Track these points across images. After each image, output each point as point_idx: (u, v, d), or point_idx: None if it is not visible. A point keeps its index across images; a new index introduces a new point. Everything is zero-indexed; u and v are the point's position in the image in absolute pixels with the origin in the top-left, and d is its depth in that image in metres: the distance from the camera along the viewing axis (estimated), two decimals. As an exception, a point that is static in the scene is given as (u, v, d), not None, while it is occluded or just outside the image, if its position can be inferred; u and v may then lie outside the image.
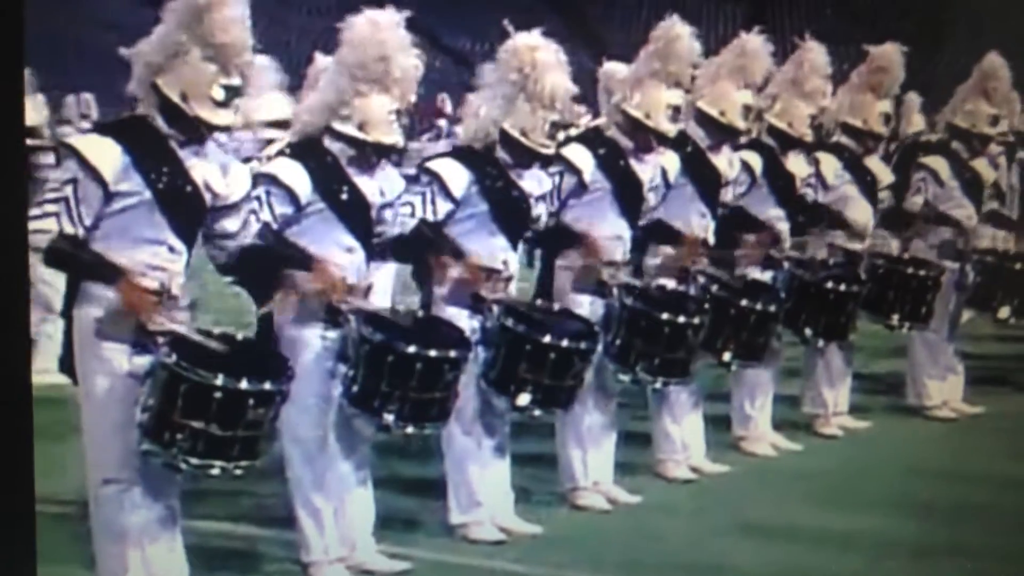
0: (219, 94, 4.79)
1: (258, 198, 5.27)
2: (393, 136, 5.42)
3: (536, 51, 5.89)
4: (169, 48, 4.76)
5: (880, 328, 8.30)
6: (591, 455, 6.62)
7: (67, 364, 4.88)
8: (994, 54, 8.81)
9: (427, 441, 5.96)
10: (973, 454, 7.89)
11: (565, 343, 5.82)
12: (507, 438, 6.18)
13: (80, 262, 4.77)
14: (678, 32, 6.63)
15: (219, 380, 4.63)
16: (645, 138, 6.61)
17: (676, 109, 6.59)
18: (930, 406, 8.78)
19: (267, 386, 4.74)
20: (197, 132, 4.86)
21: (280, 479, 5.56)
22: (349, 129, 5.36)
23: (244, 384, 4.67)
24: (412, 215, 5.77)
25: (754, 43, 7.26)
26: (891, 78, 8.17)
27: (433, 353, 5.29)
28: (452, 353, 5.36)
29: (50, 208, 4.68)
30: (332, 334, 5.37)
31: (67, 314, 4.84)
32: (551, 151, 6.07)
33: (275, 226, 5.30)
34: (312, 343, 5.37)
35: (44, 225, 4.66)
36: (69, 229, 4.69)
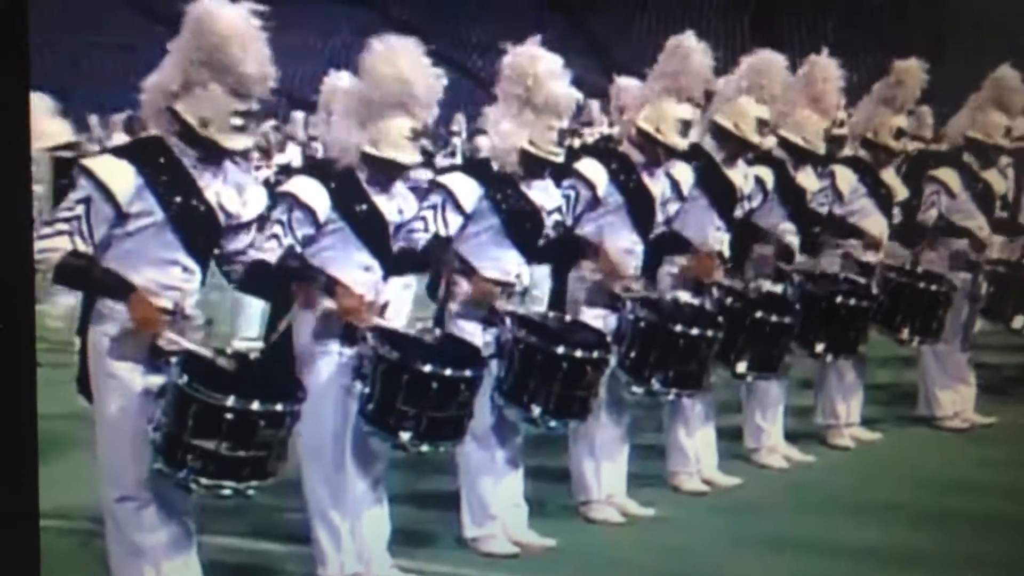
0: (238, 121, 4.83)
1: (280, 221, 5.32)
2: (410, 155, 5.46)
3: (536, 62, 5.92)
4: (185, 78, 4.78)
5: (890, 339, 8.29)
6: (604, 468, 6.64)
7: (83, 384, 4.91)
8: (1007, 66, 8.82)
9: (440, 455, 5.95)
10: (986, 464, 7.88)
11: (578, 353, 5.84)
12: (520, 451, 6.20)
13: (90, 278, 4.79)
14: (690, 47, 6.66)
15: (230, 401, 4.63)
16: (656, 152, 6.64)
17: (686, 123, 6.61)
18: (941, 416, 8.79)
19: (279, 407, 4.74)
20: (214, 155, 4.89)
21: (296, 495, 5.58)
22: (367, 147, 5.40)
23: (255, 405, 4.67)
24: (425, 230, 5.80)
25: (770, 58, 7.28)
26: (907, 92, 8.18)
27: (449, 372, 5.30)
28: (468, 372, 5.38)
29: (62, 227, 4.71)
30: (349, 351, 5.40)
31: (82, 333, 4.88)
32: (561, 159, 6.09)
33: (299, 249, 5.35)
34: (329, 360, 5.40)
35: (55, 243, 4.69)
36: (81, 247, 4.72)
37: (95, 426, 4.89)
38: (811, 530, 6.58)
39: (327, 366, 5.39)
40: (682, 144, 6.63)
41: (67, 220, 4.72)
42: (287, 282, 5.31)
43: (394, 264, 5.61)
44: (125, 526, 4.86)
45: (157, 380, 4.75)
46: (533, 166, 6.00)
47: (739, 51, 7.48)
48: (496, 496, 6.09)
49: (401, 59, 5.38)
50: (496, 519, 6.09)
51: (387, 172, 5.48)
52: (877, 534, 6.49)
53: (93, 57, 27.32)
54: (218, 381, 4.67)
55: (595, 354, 5.92)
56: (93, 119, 14.00)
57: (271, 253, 5.27)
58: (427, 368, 5.25)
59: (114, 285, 4.77)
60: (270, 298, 5.50)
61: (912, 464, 7.91)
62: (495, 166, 5.99)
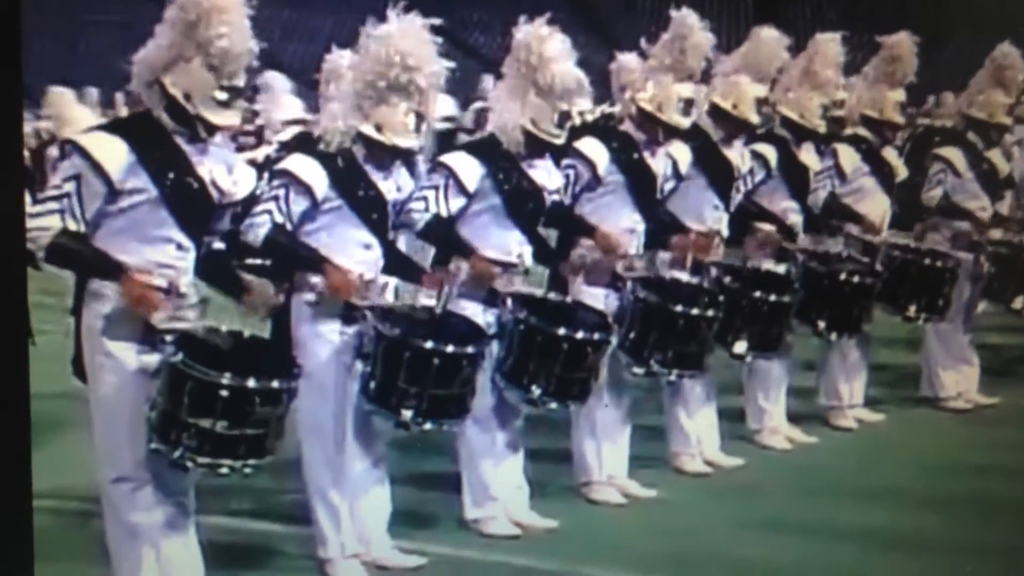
0: (221, 95, 4.77)
1: (275, 197, 5.29)
2: (411, 140, 5.41)
3: (543, 42, 5.87)
4: (171, 52, 4.74)
5: (894, 319, 8.26)
6: (605, 449, 6.62)
7: (78, 365, 4.87)
8: (1007, 43, 8.78)
9: (441, 436, 5.95)
10: (989, 446, 7.86)
11: (579, 335, 5.81)
12: (521, 433, 6.17)
13: (82, 258, 4.74)
14: (691, 24, 6.62)
15: (225, 378, 4.60)
16: (657, 131, 6.60)
17: (688, 102, 6.57)
18: (945, 397, 8.77)
19: (274, 384, 4.71)
20: (203, 130, 4.84)
21: (296, 475, 5.56)
22: (368, 130, 5.36)
23: (251, 382, 4.64)
24: (425, 209, 5.77)
25: (768, 36, 7.24)
26: (905, 66, 8.14)
27: (451, 349, 5.27)
28: (470, 349, 5.35)
29: (52, 205, 4.65)
30: (350, 330, 5.37)
31: (76, 313, 4.83)
32: (561, 140, 6.05)
33: (289, 226, 5.31)
34: (329, 339, 5.36)
35: (46, 222, 4.63)
36: (72, 226, 4.66)
37: (90, 406, 4.86)
38: (813, 511, 6.56)
39: (327, 345, 5.36)
40: (684, 123, 6.60)
41: (57, 198, 4.65)
42: (283, 268, 5.28)
43: (393, 265, 5.58)
44: (121, 507, 4.82)
45: (152, 359, 4.71)
46: (534, 146, 5.96)
47: (742, 32, 7.44)
48: (497, 478, 6.07)
49: (405, 42, 5.32)
50: (497, 500, 6.07)
51: (388, 155, 5.44)
52: (879, 515, 6.47)
53: (90, 36, 27.26)
54: (213, 359, 4.64)
55: (596, 335, 5.89)
56: (92, 92, 13.97)
57: (261, 228, 5.24)
58: (428, 344, 5.22)
59: (105, 266, 4.72)
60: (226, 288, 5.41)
61: (915, 445, 7.90)
62: (502, 143, 5.94)
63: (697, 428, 7.20)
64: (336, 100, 5.52)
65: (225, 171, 4.94)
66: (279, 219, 5.28)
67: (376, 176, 5.43)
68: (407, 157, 5.59)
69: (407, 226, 5.82)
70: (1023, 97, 9.04)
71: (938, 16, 27.90)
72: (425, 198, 5.79)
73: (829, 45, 7.66)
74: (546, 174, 6.10)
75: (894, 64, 8.11)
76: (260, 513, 6.17)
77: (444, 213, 5.81)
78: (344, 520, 5.48)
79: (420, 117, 5.40)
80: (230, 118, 4.87)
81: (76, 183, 4.67)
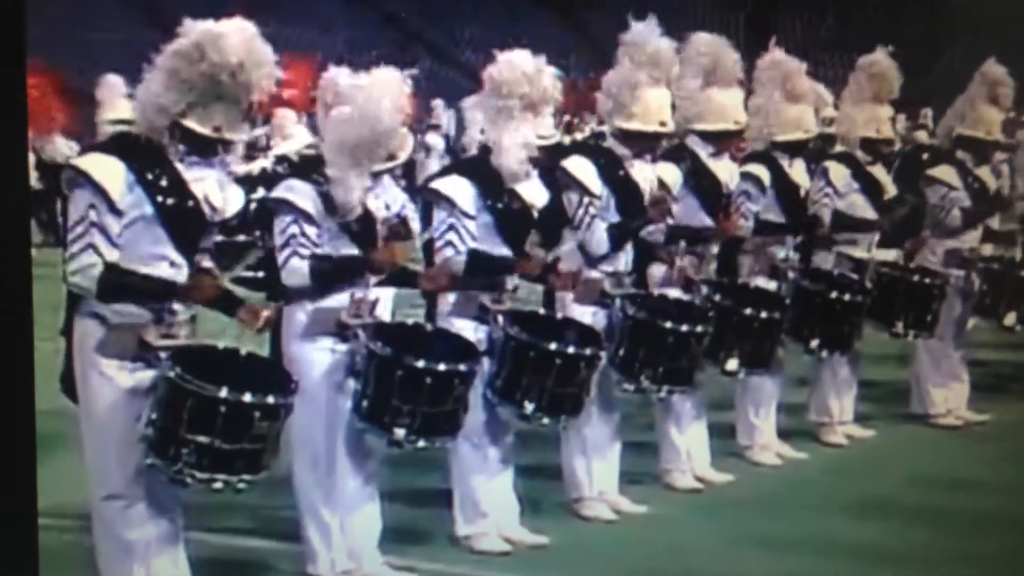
0: (223, 126, 4.81)
1: (293, 236, 5.31)
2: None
3: (520, 64, 5.92)
4: (192, 97, 4.74)
5: (884, 335, 8.28)
6: (596, 465, 6.62)
7: (68, 383, 4.88)
8: (992, 60, 8.80)
9: (433, 452, 5.93)
10: (979, 461, 7.88)
11: (571, 350, 5.83)
12: (512, 449, 6.18)
13: (135, 287, 4.75)
14: (644, 32, 6.65)
15: (223, 393, 4.62)
16: (640, 143, 6.63)
17: (662, 107, 6.61)
18: (935, 414, 8.77)
19: (270, 400, 4.73)
20: (212, 149, 4.87)
21: (287, 492, 5.57)
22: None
23: (248, 397, 4.66)
24: (458, 253, 5.84)
25: (708, 43, 7.28)
26: (888, 83, 8.17)
27: (443, 367, 5.29)
28: (462, 367, 5.37)
29: (81, 244, 4.66)
30: (342, 347, 5.38)
31: (67, 334, 4.84)
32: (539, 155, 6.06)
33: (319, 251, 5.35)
34: (321, 357, 5.38)
35: (83, 262, 4.66)
36: (107, 254, 4.68)
37: (80, 424, 4.87)
38: (804, 528, 6.57)
39: (319, 363, 5.38)
40: (664, 127, 6.63)
41: (82, 235, 4.67)
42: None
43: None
44: (113, 524, 4.85)
45: (145, 376, 4.74)
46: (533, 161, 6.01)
47: (738, 48, 7.46)
48: (488, 494, 6.07)
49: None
50: (488, 517, 6.08)
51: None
52: (870, 531, 6.48)
53: (94, 52, 27.28)
54: (210, 374, 4.66)
55: (588, 351, 5.90)
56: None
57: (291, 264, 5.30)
58: (420, 363, 5.23)
59: (157, 287, 4.76)
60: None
61: (905, 461, 7.90)
62: (491, 162, 5.96)
63: (688, 444, 7.21)
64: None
65: (217, 188, 4.96)
66: (306, 253, 5.32)
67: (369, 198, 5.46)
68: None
69: (456, 274, 5.83)
70: (1012, 113, 9.05)
71: (927, 30, 28.01)
72: (451, 243, 5.85)
73: (790, 62, 7.73)
74: (534, 191, 6.13)
75: (875, 82, 8.14)
76: (251, 530, 6.16)
77: (472, 244, 5.87)
78: (335, 536, 5.49)
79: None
80: (245, 132, 4.91)
81: (95, 211, 4.69)
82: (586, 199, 6.47)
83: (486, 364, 5.79)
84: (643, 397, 6.79)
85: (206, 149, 4.85)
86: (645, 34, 6.65)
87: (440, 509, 6.19)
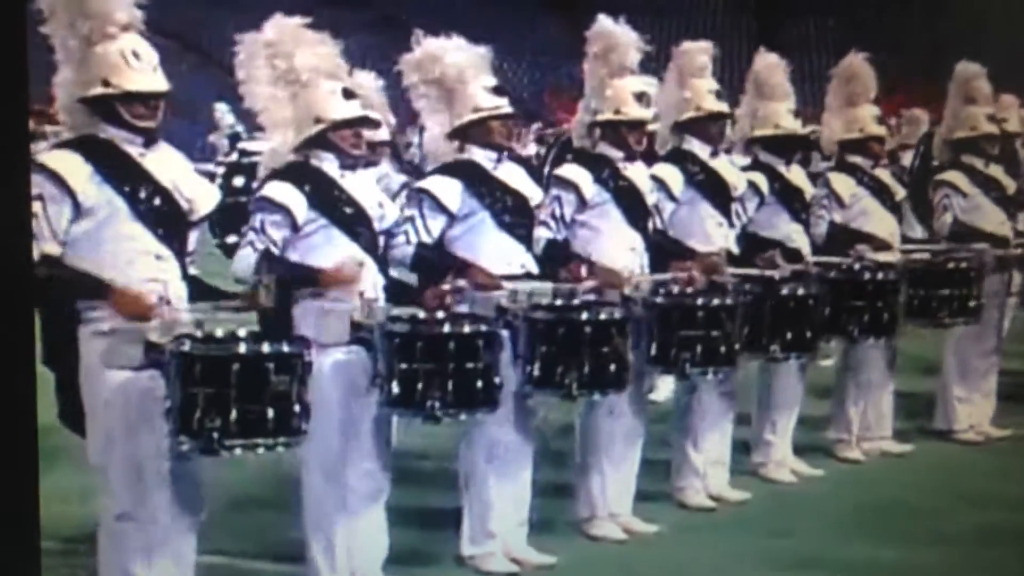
0: (132, 60, 4.78)
1: (255, 229, 5.28)
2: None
3: (445, 53, 5.94)
4: (68, 55, 4.77)
5: (908, 349, 8.08)
6: (612, 485, 6.52)
7: (67, 414, 4.80)
8: (963, 62, 8.73)
9: (440, 471, 5.86)
10: (1001, 477, 7.74)
11: (601, 316, 5.69)
12: (524, 468, 6.06)
13: (65, 282, 4.68)
14: (607, 28, 6.60)
15: (240, 348, 4.57)
16: (629, 138, 6.55)
17: (642, 95, 6.55)
18: (958, 430, 8.64)
19: (285, 348, 4.65)
20: (145, 125, 4.81)
21: (289, 514, 5.50)
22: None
23: (265, 348, 4.60)
24: (407, 242, 5.76)
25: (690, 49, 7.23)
26: (865, 84, 8.06)
27: (467, 329, 5.21)
28: (483, 327, 5.26)
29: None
30: (353, 353, 5.29)
31: (51, 362, 4.72)
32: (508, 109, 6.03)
33: (276, 251, 5.29)
34: (330, 371, 5.28)
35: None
36: (48, 248, 4.64)
37: (88, 439, 4.79)
38: (819, 545, 6.44)
39: (329, 377, 5.26)
40: (647, 115, 6.58)
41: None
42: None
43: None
44: (122, 545, 4.79)
45: (156, 383, 4.63)
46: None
47: (746, 52, 7.40)
48: (498, 513, 5.96)
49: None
50: (495, 537, 5.98)
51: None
52: (886, 548, 6.36)
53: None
54: (219, 342, 4.63)
55: (616, 314, 5.76)
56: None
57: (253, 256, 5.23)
58: (445, 329, 5.17)
59: (91, 285, 4.68)
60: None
61: (925, 477, 7.76)
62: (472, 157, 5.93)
63: (704, 461, 7.10)
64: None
65: (184, 177, 4.94)
66: (260, 246, 5.27)
67: (357, 193, 5.41)
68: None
69: (399, 263, 5.78)
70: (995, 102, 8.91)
71: (928, 35, 27.90)
72: (405, 232, 5.78)
73: (770, 59, 7.68)
74: (521, 179, 6.07)
75: (851, 84, 8.03)
76: (253, 553, 6.06)
77: (427, 239, 5.79)
78: (340, 556, 5.42)
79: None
80: (155, 82, 4.84)
81: (42, 204, 4.63)
82: (568, 197, 6.44)
83: (512, 369, 5.63)
84: (658, 413, 6.60)
85: (134, 127, 4.83)
86: (603, 25, 6.61)
87: (446, 529, 6.10)
